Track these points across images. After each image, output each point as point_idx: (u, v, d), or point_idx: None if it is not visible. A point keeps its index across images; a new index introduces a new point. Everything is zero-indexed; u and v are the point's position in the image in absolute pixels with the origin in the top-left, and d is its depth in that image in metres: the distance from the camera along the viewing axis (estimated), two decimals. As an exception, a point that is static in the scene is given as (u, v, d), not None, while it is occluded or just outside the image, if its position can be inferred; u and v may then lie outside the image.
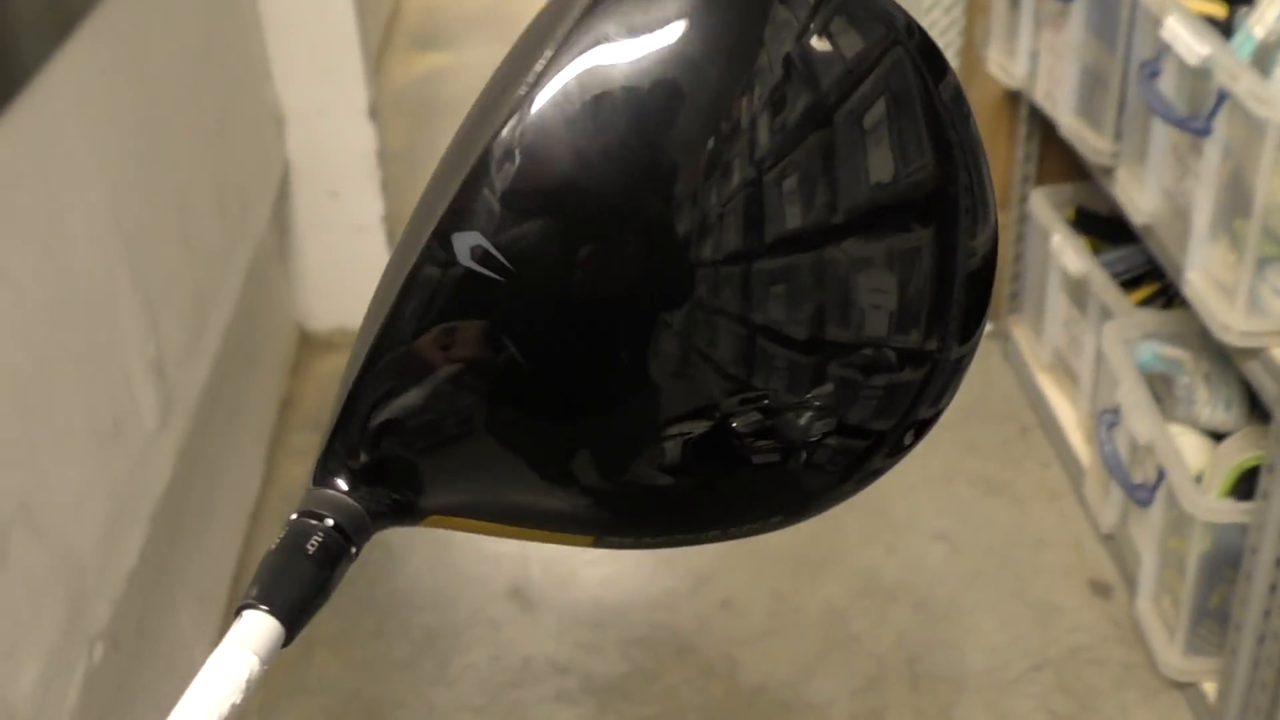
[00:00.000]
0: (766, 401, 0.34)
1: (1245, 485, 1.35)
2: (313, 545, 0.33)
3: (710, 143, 0.32)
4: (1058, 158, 1.87)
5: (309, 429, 2.01)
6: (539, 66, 0.32)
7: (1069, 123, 1.65)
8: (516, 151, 0.32)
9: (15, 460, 1.07)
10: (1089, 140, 1.59)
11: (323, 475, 0.35)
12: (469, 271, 0.32)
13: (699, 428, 0.34)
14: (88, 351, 1.24)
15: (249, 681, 0.31)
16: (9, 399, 1.07)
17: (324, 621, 1.62)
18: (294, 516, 0.34)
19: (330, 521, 0.33)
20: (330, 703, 1.52)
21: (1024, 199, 1.94)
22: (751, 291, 0.33)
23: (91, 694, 1.15)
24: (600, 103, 0.32)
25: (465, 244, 0.32)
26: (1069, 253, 1.75)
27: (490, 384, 0.33)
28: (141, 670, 1.34)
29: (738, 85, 0.32)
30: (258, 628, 0.31)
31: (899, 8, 0.35)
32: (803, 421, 0.34)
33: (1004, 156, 2.01)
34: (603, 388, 0.34)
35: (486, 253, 0.32)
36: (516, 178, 0.32)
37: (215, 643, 0.32)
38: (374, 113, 2.06)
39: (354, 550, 0.34)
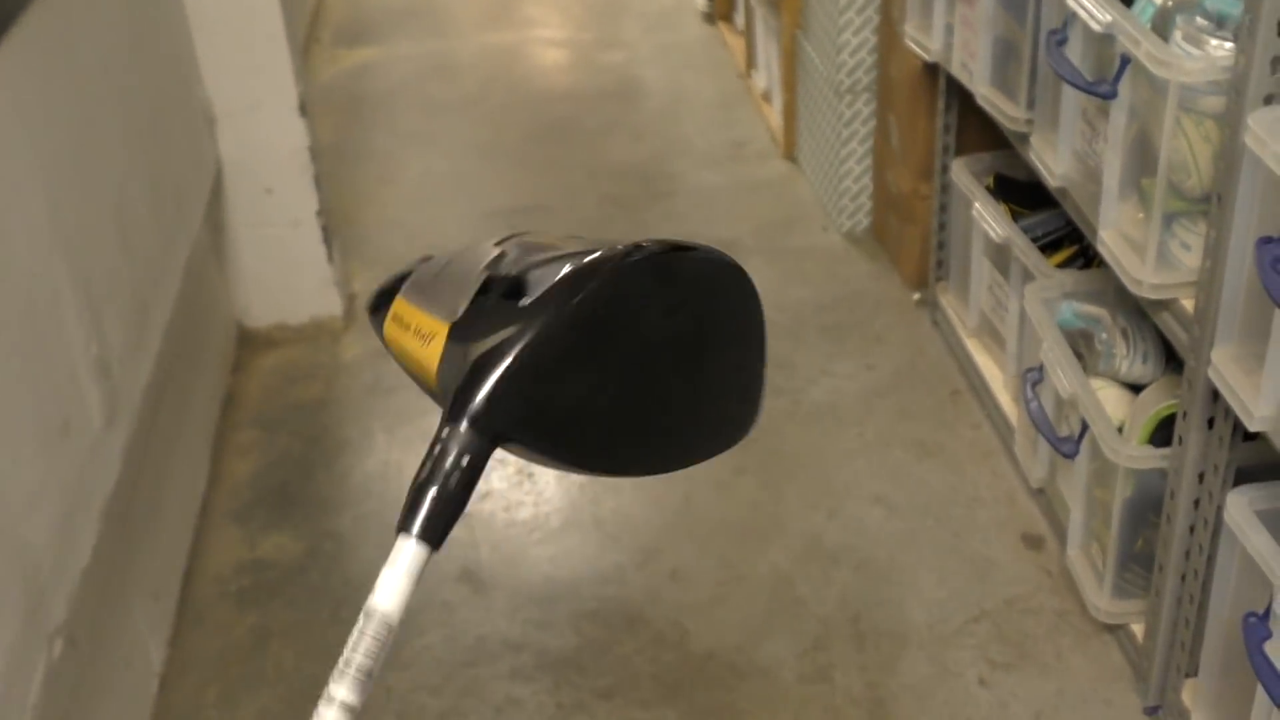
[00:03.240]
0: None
1: (1164, 433, 1.41)
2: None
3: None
4: (976, 128, 1.92)
5: (252, 425, 2.02)
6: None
7: (985, 92, 1.71)
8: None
9: (-33, 461, 1.08)
10: (1004, 108, 1.65)
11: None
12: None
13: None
14: (34, 352, 1.25)
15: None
16: (-42, 400, 1.09)
17: (279, 612, 1.65)
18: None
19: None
20: (289, 692, 1.55)
21: (945, 169, 1.99)
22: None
23: (52, 690, 1.17)
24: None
25: None
26: (990, 220, 1.81)
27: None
28: (99, 666, 1.35)
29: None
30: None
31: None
32: None
33: (925, 128, 2.06)
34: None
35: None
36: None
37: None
38: (305, 109, 2.07)
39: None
